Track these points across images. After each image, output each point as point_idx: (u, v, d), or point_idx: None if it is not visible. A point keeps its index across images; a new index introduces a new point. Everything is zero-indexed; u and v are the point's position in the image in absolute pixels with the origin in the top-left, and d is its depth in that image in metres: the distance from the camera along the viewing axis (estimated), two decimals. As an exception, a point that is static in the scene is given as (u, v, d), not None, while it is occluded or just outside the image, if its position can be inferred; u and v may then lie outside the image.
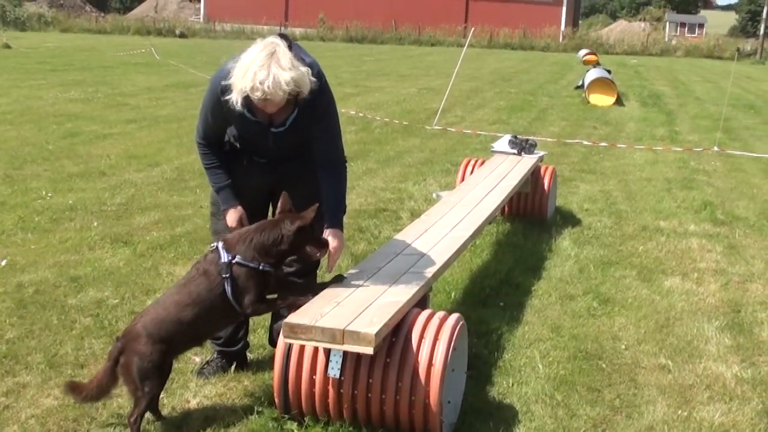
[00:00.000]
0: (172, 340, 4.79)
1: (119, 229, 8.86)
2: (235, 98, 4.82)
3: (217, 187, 5.44)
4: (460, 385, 5.31)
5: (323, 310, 4.68)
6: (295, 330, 4.52)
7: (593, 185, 12.17)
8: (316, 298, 4.91)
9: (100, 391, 4.79)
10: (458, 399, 5.25)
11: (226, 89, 4.90)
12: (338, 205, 5.38)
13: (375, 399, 4.70)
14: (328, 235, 5.22)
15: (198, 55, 34.46)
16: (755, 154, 15.46)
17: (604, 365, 6.07)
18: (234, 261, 4.81)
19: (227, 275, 4.79)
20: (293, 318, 4.61)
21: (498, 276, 7.75)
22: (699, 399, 5.67)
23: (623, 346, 6.43)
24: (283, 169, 5.46)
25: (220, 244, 4.89)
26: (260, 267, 4.83)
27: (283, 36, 4.96)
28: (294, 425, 4.85)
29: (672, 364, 6.16)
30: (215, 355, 5.76)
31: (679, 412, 5.46)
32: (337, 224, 5.32)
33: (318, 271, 5.81)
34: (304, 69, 4.84)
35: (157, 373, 4.74)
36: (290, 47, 4.87)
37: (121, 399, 5.10)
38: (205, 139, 5.38)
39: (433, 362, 4.66)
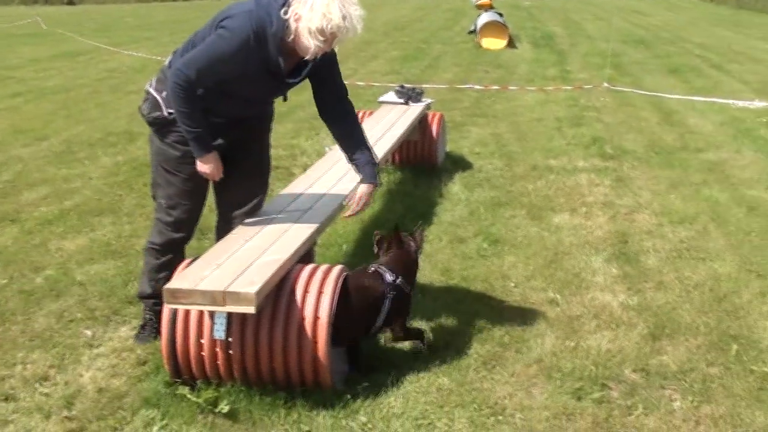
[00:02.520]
0: None
1: (6, 206, 8.67)
2: (309, 42, 4.72)
3: (196, 133, 5.03)
4: (350, 335, 5.35)
5: (203, 273, 4.66)
6: (176, 295, 4.50)
7: (484, 129, 12.27)
8: (198, 260, 4.91)
9: None
10: (349, 349, 5.30)
11: (264, 35, 4.79)
12: (372, 155, 5.46)
13: (264, 357, 4.71)
14: (362, 188, 5.42)
15: (86, 22, 33.80)
16: (642, 91, 15.70)
17: (493, 304, 6.17)
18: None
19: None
20: (174, 283, 4.59)
21: (389, 225, 7.70)
22: (586, 328, 5.81)
23: (512, 284, 6.53)
24: (239, 128, 5.38)
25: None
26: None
27: None
28: (186, 390, 4.82)
29: (560, 298, 6.29)
30: (150, 318, 5.70)
31: (567, 342, 5.58)
32: (374, 179, 5.44)
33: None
34: None
35: None
36: None
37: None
38: (194, 86, 4.93)
39: (319, 315, 4.69)
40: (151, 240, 5.66)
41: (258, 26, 4.80)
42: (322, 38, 4.71)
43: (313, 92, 5.42)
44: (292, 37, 4.78)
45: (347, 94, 5.45)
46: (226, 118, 5.24)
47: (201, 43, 4.99)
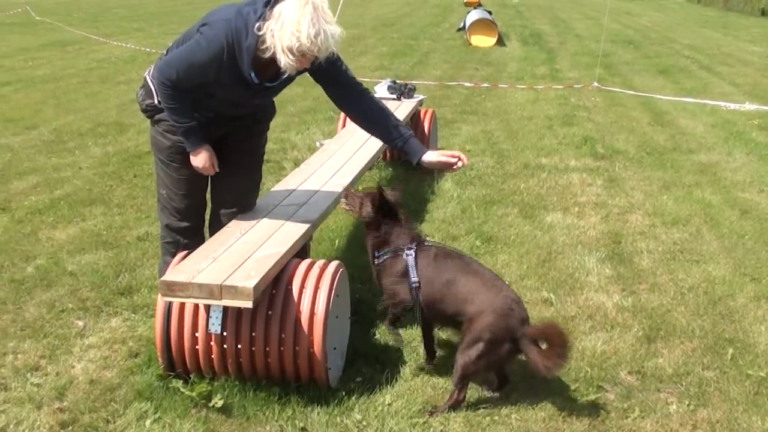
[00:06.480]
0: None
1: (-4, 196, 8.61)
2: (282, 58, 4.61)
3: (185, 127, 5.04)
4: (345, 331, 5.32)
5: (200, 266, 4.62)
6: (172, 288, 4.46)
7: (475, 126, 12.24)
8: (194, 253, 4.86)
9: None
10: (344, 345, 5.26)
11: (239, 47, 4.73)
12: (408, 129, 5.37)
13: (259, 352, 4.68)
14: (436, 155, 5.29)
15: (75, 12, 33.63)
16: (632, 92, 15.71)
17: (487, 303, 6.13)
18: None
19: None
20: (170, 275, 4.55)
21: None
22: (581, 329, 5.79)
23: (506, 283, 6.49)
24: (231, 125, 5.34)
25: None
26: None
27: None
28: (179, 383, 4.80)
29: (554, 297, 6.27)
30: None
31: (562, 343, 5.54)
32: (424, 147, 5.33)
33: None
34: None
35: None
36: None
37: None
38: (177, 84, 4.93)
39: (315, 311, 4.66)
40: (162, 236, 5.65)
41: (233, 38, 4.74)
42: (292, 57, 4.62)
43: (326, 92, 5.33)
44: (269, 53, 4.69)
45: (359, 83, 5.33)
46: (215, 113, 5.20)
47: (187, 41, 4.98)
